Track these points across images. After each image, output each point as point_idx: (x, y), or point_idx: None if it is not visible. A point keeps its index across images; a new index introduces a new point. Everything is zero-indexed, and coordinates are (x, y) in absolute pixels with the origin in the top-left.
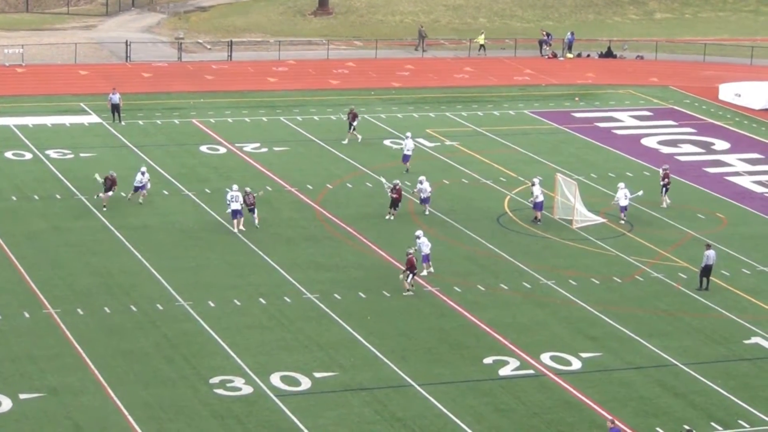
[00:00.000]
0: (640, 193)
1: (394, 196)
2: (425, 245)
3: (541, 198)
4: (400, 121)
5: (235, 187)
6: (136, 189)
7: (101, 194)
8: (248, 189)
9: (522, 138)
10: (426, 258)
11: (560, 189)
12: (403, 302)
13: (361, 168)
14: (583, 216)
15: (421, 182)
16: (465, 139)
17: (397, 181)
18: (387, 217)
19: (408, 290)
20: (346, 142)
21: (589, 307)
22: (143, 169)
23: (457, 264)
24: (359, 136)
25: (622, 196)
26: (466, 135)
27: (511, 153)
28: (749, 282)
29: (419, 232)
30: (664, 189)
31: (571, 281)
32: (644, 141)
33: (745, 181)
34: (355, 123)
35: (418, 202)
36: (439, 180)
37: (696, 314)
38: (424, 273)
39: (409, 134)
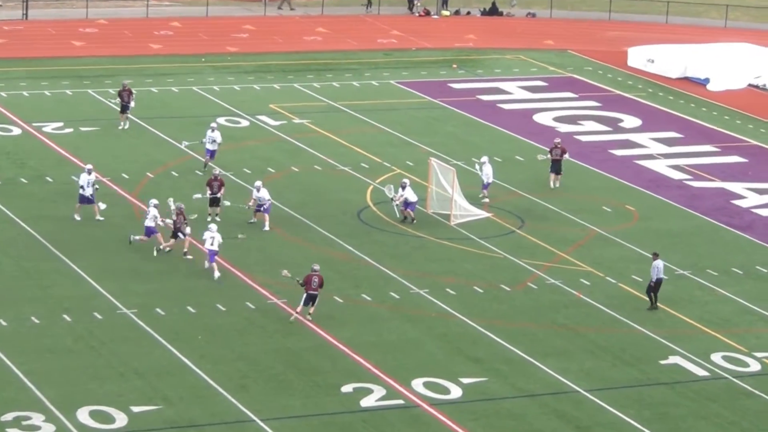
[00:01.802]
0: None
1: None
2: (213, 239)
3: (413, 198)
4: (238, 94)
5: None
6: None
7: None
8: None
9: (388, 114)
10: (212, 255)
11: (435, 177)
12: (242, 318)
13: (189, 152)
14: (464, 210)
15: (257, 189)
16: (318, 116)
17: (217, 171)
18: (209, 219)
19: (295, 315)
20: (126, 126)
21: (471, 322)
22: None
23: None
24: (127, 122)
25: (490, 171)
26: (319, 111)
27: (375, 133)
28: (666, 289)
29: (212, 226)
30: (554, 166)
31: (449, 290)
32: (537, 117)
33: (660, 166)
34: (132, 103)
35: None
36: (286, 167)
37: (602, 329)
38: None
39: (214, 124)
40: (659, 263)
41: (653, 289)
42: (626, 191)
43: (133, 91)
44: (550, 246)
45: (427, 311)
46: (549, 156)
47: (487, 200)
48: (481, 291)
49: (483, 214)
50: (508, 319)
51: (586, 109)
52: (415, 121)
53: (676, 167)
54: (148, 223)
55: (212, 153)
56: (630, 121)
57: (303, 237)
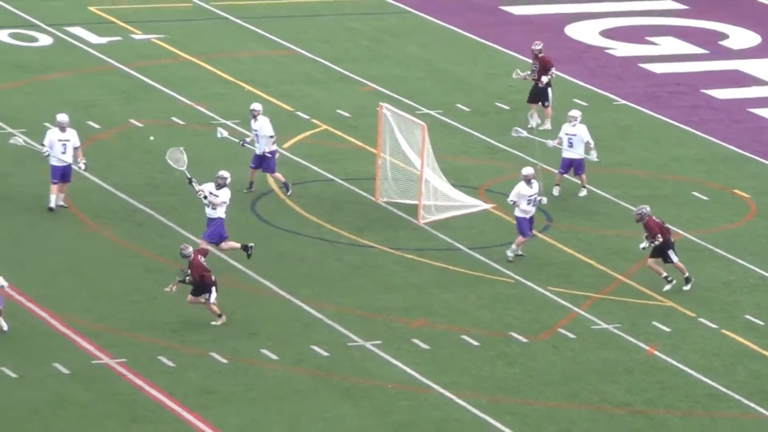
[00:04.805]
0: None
1: None
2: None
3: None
4: None
5: None
6: None
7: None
8: None
9: (305, 25)
10: None
11: (390, 138)
12: None
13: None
14: (444, 198)
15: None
16: (178, 27)
17: None
18: None
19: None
20: None
21: (456, 398)
22: None
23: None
24: None
25: (582, 137)
26: (179, 18)
27: (281, 59)
28: None
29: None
30: (536, 92)
31: (417, 341)
32: (572, 30)
33: None
34: None
35: None
36: (121, 121)
37: (692, 410)
38: None
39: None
40: None
41: None
42: (736, 163)
43: None
44: (596, 262)
45: (379, 378)
46: (529, 73)
47: (551, 190)
48: (475, 344)
49: (479, 205)
50: (522, 393)
51: (661, 16)
52: (353, 38)
53: None
54: None
55: None
56: (741, 37)
57: (151, 243)
